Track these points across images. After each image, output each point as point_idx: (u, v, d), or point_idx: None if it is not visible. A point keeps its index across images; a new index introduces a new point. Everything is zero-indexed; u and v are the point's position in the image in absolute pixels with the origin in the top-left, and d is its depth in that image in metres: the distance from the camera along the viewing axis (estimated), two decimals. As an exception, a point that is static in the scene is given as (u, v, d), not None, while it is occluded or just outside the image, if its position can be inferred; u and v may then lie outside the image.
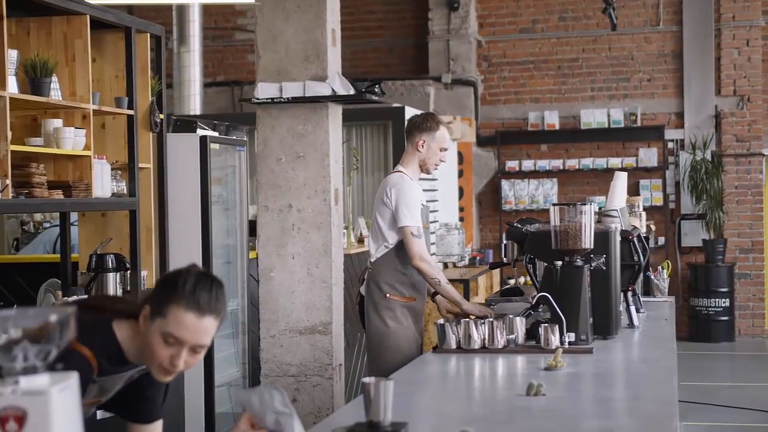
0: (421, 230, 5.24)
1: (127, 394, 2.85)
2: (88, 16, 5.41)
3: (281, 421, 2.50)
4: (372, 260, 5.41)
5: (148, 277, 6.02)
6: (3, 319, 1.75)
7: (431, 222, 10.14)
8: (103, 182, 5.48)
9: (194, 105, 11.06)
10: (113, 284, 5.59)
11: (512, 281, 12.53)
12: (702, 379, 10.31)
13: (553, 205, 4.55)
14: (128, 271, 5.75)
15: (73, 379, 1.81)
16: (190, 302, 2.58)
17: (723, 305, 12.47)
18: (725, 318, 12.51)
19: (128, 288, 5.76)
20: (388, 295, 5.31)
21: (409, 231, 5.21)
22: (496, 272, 11.48)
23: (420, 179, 5.27)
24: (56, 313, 1.78)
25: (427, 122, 5.44)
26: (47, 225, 9.06)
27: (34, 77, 5.03)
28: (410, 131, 5.48)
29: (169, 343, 2.59)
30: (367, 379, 2.75)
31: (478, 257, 11.41)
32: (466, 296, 9.31)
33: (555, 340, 4.27)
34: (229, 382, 7.01)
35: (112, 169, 5.66)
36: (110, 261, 5.60)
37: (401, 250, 5.31)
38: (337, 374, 5.88)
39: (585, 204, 4.52)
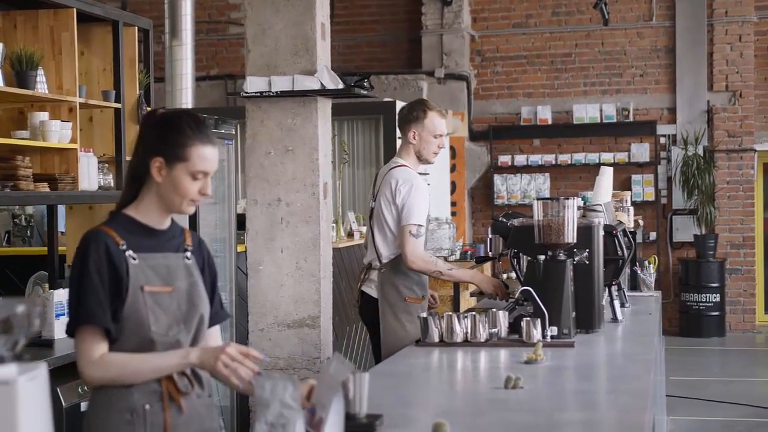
0: (421, 230, 5.12)
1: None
2: (74, 10, 5.41)
3: (286, 415, 2.53)
4: (383, 261, 5.24)
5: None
6: (-30, 310, 1.77)
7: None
8: (90, 175, 5.49)
9: (186, 99, 10.99)
10: (100, 277, 5.59)
11: (505, 276, 12.55)
12: (692, 374, 10.34)
13: (537, 199, 4.56)
14: (115, 264, 5.75)
15: (41, 369, 1.83)
16: (203, 139, 2.90)
17: (714, 300, 12.51)
18: (716, 313, 12.55)
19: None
20: (407, 298, 5.21)
21: (408, 230, 5.09)
22: (488, 266, 11.50)
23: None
24: (23, 304, 1.80)
25: (413, 112, 5.31)
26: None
27: (19, 70, 5.04)
28: (400, 124, 5.38)
29: (198, 178, 2.89)
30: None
31: (470, 252, 11.43)
32: (456, 290, 9.31)
33: (537, 334, 4.29)
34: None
35: (99, 162, 5.67)
36: (97, 254, 5.59)
37: None
38: (326, 368, 5.89)
39: (568, 199, 4.53)
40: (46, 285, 5.54)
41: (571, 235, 4.50)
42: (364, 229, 8.39)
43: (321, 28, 6.06)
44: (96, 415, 2.90)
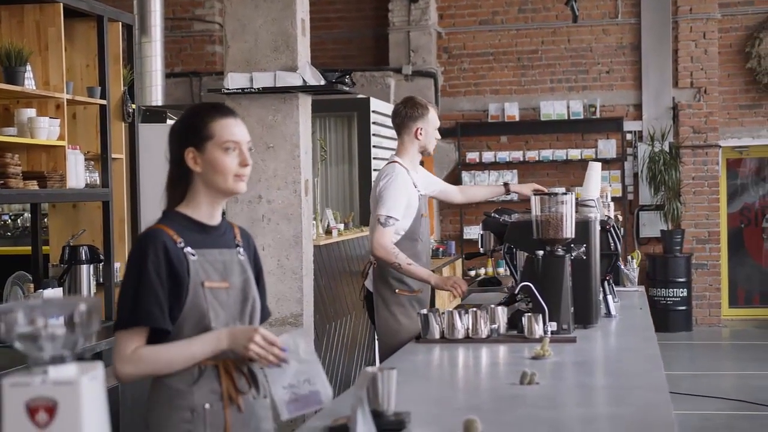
0: (390, 221, 5.16)
1: None
2: (61, 5, 5.32)
3: (305, 370, 2.52)
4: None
5: (122, 268, 5.94)
6: (30, 309, 1.73)
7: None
8: (77, 173, 5.41)
9: (156, 96, 10.92)
10: (86, 276, 5.51)
11: (472, 272, 12.59)
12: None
13: (535, 194, 4.56)
14: (101, 263, 5.67)
15: (99, 369, 1.79)
16: (220, 113, 2.93)
17: (681, 295, 12.62)
18: (683, 308, 12.66)
19: (101, 280, 5.69)
20: (397, 290, 5.27)
21: (376, 218, 5.18)
22: (458, 263, 11.53)
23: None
24: (84, 302, 1.76)
25: (417, 110, 5.43)
26: (5, 217, 8.93)
27: (8, 66, 4.94)
28: (402, 123, 5.44)
29: (230, 149, 2.89)
30: (370, 369, 2.74)
31: (440, 249, 11.45)
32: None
33: (539, 330, 4.28)
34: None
35: (85, 160, 5.59)
36: (83, 253, 5.52)
37: (405, 243, 5.23)
38: (308, 366, 5.86)
39: (566, 194, 4.53)
40: (31, 285, 5.44)
41: (569, 230, 4.50)
42: (342, 226, 8.37)
43: (301, 24, 6.04)
44: (157, 413, 2.88)
